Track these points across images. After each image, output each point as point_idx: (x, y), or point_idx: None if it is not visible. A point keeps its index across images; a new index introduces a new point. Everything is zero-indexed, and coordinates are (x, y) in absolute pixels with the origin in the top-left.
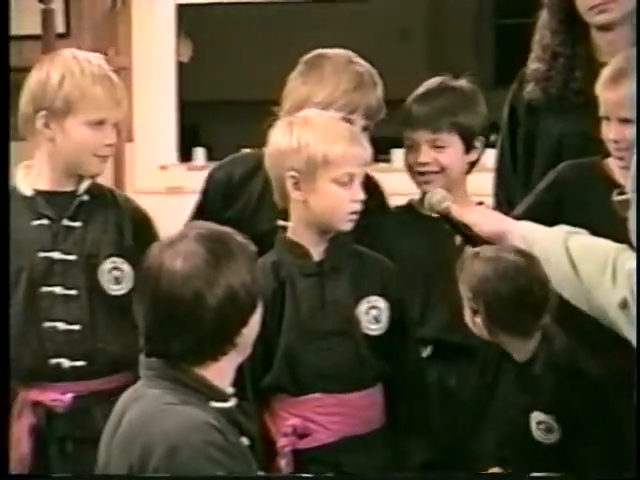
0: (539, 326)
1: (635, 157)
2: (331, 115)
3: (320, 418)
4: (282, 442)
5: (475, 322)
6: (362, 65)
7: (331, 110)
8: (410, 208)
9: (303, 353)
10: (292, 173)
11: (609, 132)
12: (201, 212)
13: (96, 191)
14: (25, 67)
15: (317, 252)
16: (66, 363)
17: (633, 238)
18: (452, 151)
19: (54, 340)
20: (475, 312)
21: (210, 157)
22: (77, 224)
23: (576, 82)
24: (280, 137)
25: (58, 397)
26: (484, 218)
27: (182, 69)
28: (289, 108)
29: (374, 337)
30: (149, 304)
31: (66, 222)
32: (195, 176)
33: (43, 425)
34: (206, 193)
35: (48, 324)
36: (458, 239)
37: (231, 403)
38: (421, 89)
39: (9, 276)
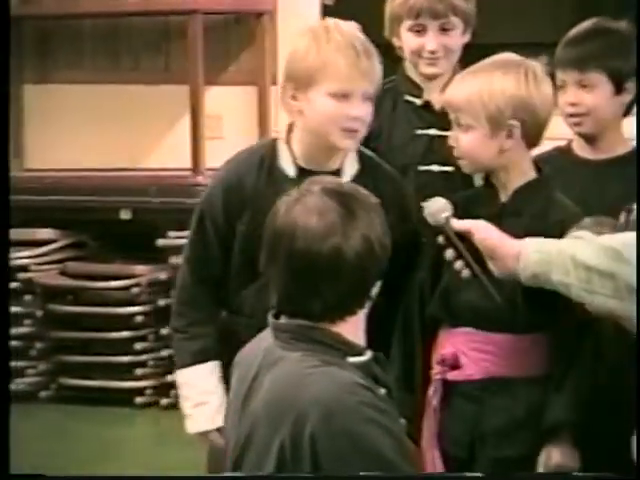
0: None
1: None
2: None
3: (471, 353)
4: (435, 370)
5: None
6: None
7: (404, 21)
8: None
9: (462, 288)
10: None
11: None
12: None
13: (357, 179)
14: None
15: (504, 195)
16: None
17: None
18: (599, 92)
19: None
20: None
21: None
22: None
23: None
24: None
25: None
26: (488, 231)
27: (326, 11)
28: (388, 29)
29: (535, 288)
30: (284, 263)
31: None
32: None
33: None
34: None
35: None
36: (450, 253)
37: (367, 356)
38: (574, 31)
39: (9, 275)
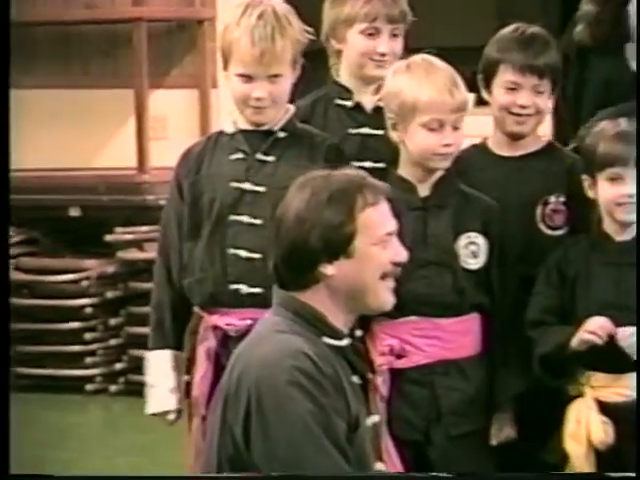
0: None
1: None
2: (434, 61)
3: (416, 340)
4: (380, 361)
5: None
6: None
7: (357, 24)
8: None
9: (404, 279)
10: (390, 115)
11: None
12: None
13: (292, 129)
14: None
15: (423, 188)
16: (244, 289)
17: None
18: (547, 96)
19: (236, 266)
20: None
21: None
22: (270, 158)
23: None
24: (387, 80)
25: (234, 322)
26: None
27: None
28: (326, 33)
29: (472, 270)
30: (274, 235)
31: (259, 156)
32: None
33: (219, 349)
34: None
35: (232, 251)
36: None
37: (344, 342)
38: (525, 37)
39: (9, 276)
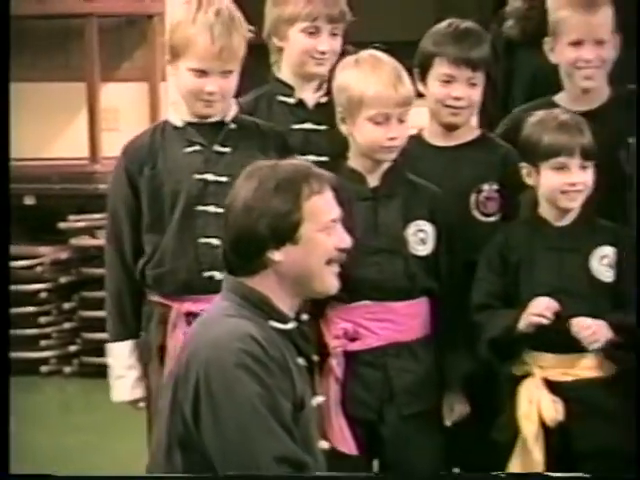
0: None
1: None
2: (381, 57)
3: (369, 324)
4: (334, 343)
5: None
6: None
7: (298, 22)
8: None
9: (356, 266)
10: (339, 108)
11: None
12: None
13: (241, 121)
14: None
15: (372, 179)
16: (218, 276)
17: None
18: (480, 88)
19: (208, 255)
20: None
21: None
22: (227, 149)
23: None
24: (336, 74)
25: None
26: None
27: None
28: (268, 31)
29: (421, 256)
30: (223, 223)
31: (217, 148)
32: None
33: None
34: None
35: (203, 240)
36: None
37: (290, 325)
38: (459, 31)
39: (9, 275)
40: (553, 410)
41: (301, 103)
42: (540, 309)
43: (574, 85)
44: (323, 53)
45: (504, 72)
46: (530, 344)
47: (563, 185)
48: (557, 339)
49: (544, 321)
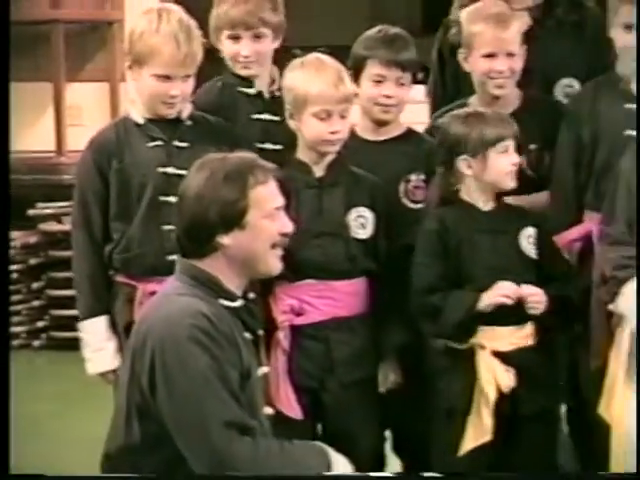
0: None
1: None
2: (325, 59)
3: (313, 300)
4: (282, 318)
5: None
6: None
7: (224, 31)
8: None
9: (303, 248)
10: (287, 105)
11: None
12: None
13: (195, 117)
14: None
15: (318, 169)
16: None
17: None
18: (408, 87)
19: (172, 240)
20: None
21: None
22: (185, 145)
23: None
24: (285, 75)
25: None
26: None
27: None
28: (211, 37)
29: (361, 240)
30: (177, 211)
31: (176, 143)
32: None
33: None
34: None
35: (167, 227)
36: None
37: (238, 303)
38: (388, 36)
39: (9, 275)
40: (507, 378)
41: (260, 94)
42: (507, 291)
43: (486, 92)
44: (246, 57)
45: (451, 74)
46: (482, 320)
47: (508, 166)
48: (501, 314)
49: (508, 302)
